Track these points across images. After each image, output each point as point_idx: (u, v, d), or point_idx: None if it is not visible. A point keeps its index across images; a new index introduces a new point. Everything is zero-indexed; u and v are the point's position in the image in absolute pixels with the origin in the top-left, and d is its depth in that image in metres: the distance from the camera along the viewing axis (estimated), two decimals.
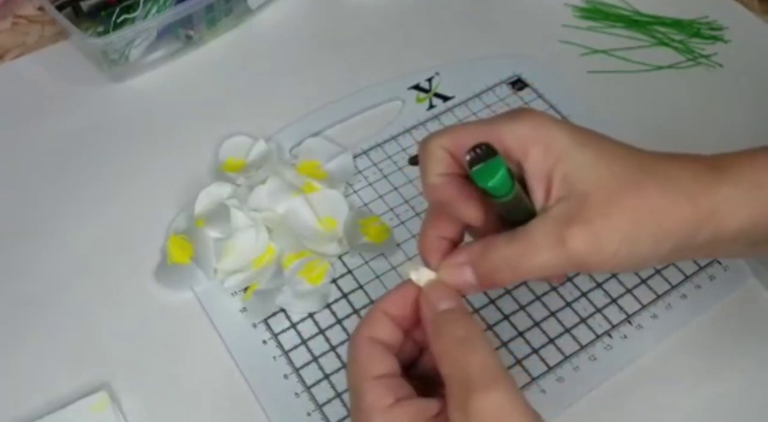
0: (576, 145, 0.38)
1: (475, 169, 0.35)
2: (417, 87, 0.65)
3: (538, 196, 0.38)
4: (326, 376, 0.50)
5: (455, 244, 0.40)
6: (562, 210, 0.36)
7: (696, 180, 0.38)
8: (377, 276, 0.54)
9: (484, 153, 0.35)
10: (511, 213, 0.38)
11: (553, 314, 0.52)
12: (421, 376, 0.39)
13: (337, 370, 0.50)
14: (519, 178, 0.38)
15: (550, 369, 0.50)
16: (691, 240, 0.37)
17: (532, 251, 0.36)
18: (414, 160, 0.60)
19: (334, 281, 0.54)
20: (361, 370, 0.37)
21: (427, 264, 0.39)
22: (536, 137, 0.38)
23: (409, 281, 0.38)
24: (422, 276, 0.38)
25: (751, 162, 0.39)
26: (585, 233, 0.36)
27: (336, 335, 0.51)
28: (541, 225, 0.37)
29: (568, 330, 0.51)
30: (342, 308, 0.53)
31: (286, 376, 0.50)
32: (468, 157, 0.35)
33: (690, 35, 0.69)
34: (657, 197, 0.37)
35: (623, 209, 0.36)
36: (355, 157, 0.60)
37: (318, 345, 0.51)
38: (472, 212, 0.38)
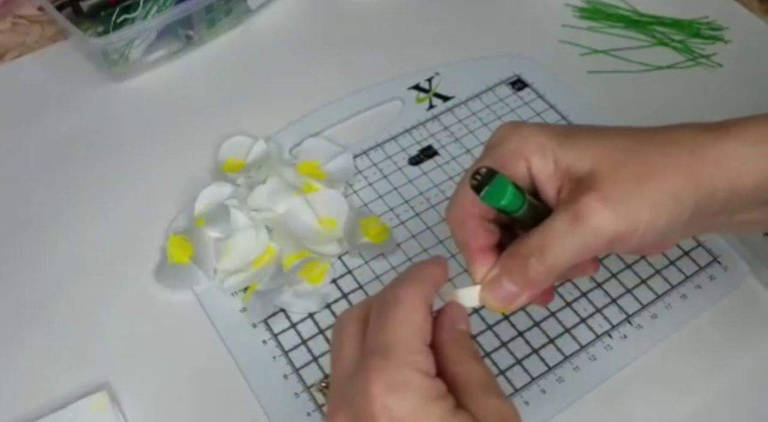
0: (565, 138, 0.38)
1: (483, 193, 0.36)
2: (417, 87, 0.65)
3: (551, 197, 0.38)
4: (326, 376, 0.50)
5: None
6: (574, 192, 0.37)
7: (696, 137, 0.38)
8: (377, 276, 0.54)
9: (486, 176, 0.36)
10: (531, 221, 0.38)
11: (553, 314, 0.52)
12: None
13: None
14: (532, 190, 0.39)
15: (550, 369, 0.50)
16: (710, 198, 0.37)
17: (553, 234, 0.36)
18: (414, 160, 0.60)
19: (334, 281, 0.54)
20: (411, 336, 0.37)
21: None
22: (527, 147, 0.39)
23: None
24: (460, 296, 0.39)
25: (751, 121, 0.39)
26: (597, 201, 0.36)
27: None
28: (556, 210, 0.37)
29: (568, 330, 0.51)
30: (342, 308, 0.53)
31: (286, 376, 0.50)
32: (474, 183, 0.36)
33: (690, 35, 0.69)
34: (659, 157, 0.37)
35: (629, 174, 0.36)
36: (355, 157, 0.60)
37: (318, 345, 0.51)
38: (481, 269, 0.40)
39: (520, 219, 0.38)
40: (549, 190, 0.38)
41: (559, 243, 0.36)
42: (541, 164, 0.38)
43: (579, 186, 0.37)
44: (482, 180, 0.36)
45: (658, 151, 0.37)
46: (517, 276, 0.38)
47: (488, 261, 0.39)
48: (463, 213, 0.40)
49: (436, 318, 0.38)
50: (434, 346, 0.36)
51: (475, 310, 0.52)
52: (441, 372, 0.36)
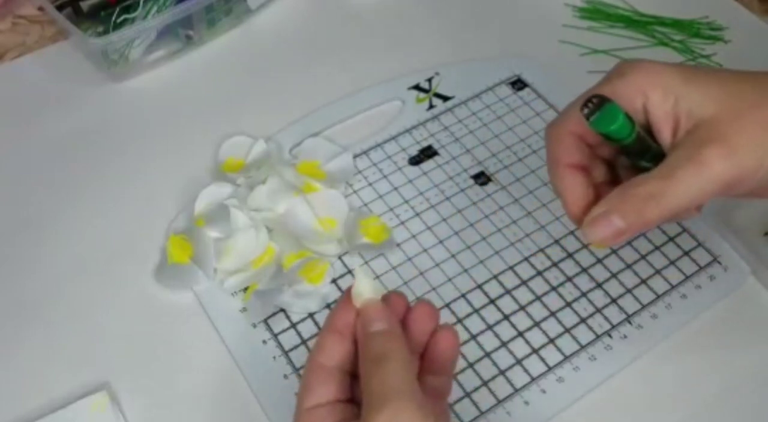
0: (690, 80, 0.38)
1: (593, 119, 0.37)
2: (417, 87, 0.65)
3: (665, 136, 0.39)
4: None
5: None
6: (695, 136, 0.37)
7: None
8: (377, 277, 0.54)
9: (598, 104, 0.37)
10: (639, 156, 0.39)
11: (553, 314, 0.52)
12: None
13: None
14: (644, 126, 0.39)
15: (550, 369, 0.50)
16: None
17: (675, 179, 0.37)
18: (414, 160, 0.60)
19: (334, 281, 0.54)
20: (299, 400, 0.38)
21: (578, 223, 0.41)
22: (651, 82, 0.39)
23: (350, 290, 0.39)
24: (362, 290, 0.38)
25: None
26: (722, 149, 0.36)
27: None
28: (676, 155, 0.37)
29: (568, 330, 0.51)
30: None
31: (286, 376, 0.50)
32: (585, 111, 0.37)
33: (690, 35, 0.69)
34: None
35: (754, 123, 0.37)
36: (355, 157, 0.60)
37: None
38: (576, 210, 0.40)
39: (627, 148, 0.38)
40: (664, 128, 0.39)
41: (681, 189, 0.37)
42: (660, 101, 0.38)
43: (699, 130, 0.37)
44: (593, 108, 0.37)
45: None
46: (631, 215, 0.38)
47: (576, 179, 0.40)
48: (564, 130, 0.41)
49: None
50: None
51: (476, 310, 0.52)
52: None
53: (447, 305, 0.52)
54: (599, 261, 0.54)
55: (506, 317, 0.52)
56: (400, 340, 0.37)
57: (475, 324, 0.51)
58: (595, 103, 0.37)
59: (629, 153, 0.39)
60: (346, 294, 0.39)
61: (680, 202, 0.37)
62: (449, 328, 0.40)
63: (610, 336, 0.51)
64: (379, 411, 0.34)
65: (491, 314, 0.52)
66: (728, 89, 0.38)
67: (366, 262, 0.55)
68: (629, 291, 0.53)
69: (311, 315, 0.52)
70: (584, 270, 0.54)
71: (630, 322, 0.52)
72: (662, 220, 0.38)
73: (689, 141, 0.37)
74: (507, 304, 0.52)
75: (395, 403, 0.34)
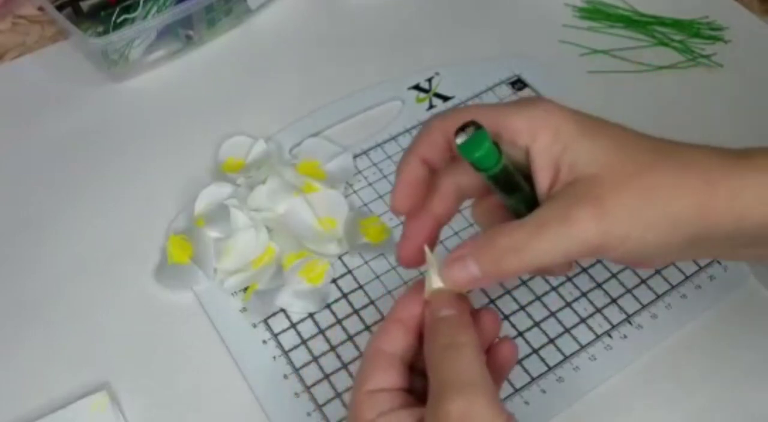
0: (586, 132, 0.37)
1: (460, 142, 0.35)
2: (417, 87, 0.65)
3: (542, 184, 0.37)
4: (326, 376, 0.50)
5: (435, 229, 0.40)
6: (570, 193, 0.35)
7: (714, 164, 0.36)
8: (377, 277, 0.54)
9: (472, 131, 0.35)
10: (506, 192, 0.37)
11: (553, 314, 0.52)
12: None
13: (337, 370, 0.50)
14: (523, 167, 0.37)
15: (550, 369, 0.50)
16: (712, 231, 0.36)
17: (538, 234, 0.35)
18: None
19: (334, 281, 0.54)
20: (358, 383, 0.37)
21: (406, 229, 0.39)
22: (545, 123, 0.37)
23: (421, 283, 0.38)
24: (433, 282, 0.38)
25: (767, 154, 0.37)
26: (593, 211, 0.34)
27: (336, 335, 0.51)
28: (546, 208, 0.36)
29: (568, 330, 0.51)
30: (342, 308, 0.53)
31: (286, 376, 0.50)
32: (458, 140, 0.35)
33: (690, 35, 0.69)
34: (671, 178, 0.35)
35: (634, 189, 0.35)
36: (355, 157, 0.60)
37: (318, 345, 0.51)
38: (400, 199, 0.39)
39: (493, 181, 0.37)
40: (543, 175, 0.37)
41: (545, 247, 0.35)
42: (546, 146, 0.36)
43: (577, 187, 0.35)
44: (467, 135, 0.35)
45: (673, 171, 0.36)
46: (488, 264, 0.36)
47: (420, 172, 0.39)
48: (440, 125, 0.38)
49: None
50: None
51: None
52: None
53: None
54: (599, 261, 0.54)
55: (506, 317, 0.52)
56: (472, 329, 0.36)
57: None
58: (468, 132, 0.35)
59: (496, 187, 0.37)
60: (413, 286, 0.38)
61: (542, 260, 0.35)
62: (511, 340, 0.39)
63: (610, 336, 0.51)
64: (451, 401, 0.33)
65: None
66: (620, 152, 0.36)
67: (366, 262, 0.55)
68: (629, 291, 0.53)
69: (311, 315, 0.52)
70: (584, 270, 0.54)
71: (630, 322, 0.52)
72: (522, 273, 0.36)
73: (564, 197, 0.36)
74: (507, 304, 0.52)
75: (470, 394, 0.33)
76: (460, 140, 0.35)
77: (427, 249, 0.38)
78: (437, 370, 0.35)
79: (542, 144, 0.37)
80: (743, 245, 0.37)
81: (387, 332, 0.38)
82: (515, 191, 0.38)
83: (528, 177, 0.38)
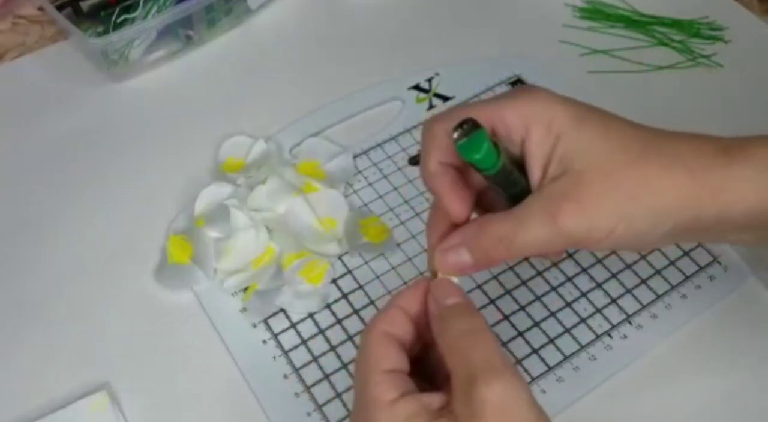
0: (578, 122, 0.37)
1: (459, 143, 0.36)
2: (417, 87, 0.65)
3: (535, 176, 0.37)
4: (326, 376, 0.50)
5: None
6: (556, 187, 0.36)
7: (701, 157, 0.37)
8: (377, 277, 0.54)
9: (470, 128, 0.36)
10: (505, 188, 0.38)
11: (553, 314, 0.52)
12: (424, 374, 0.39)
13: (337, 370, 0.50)
14: (518, 159, 0.38)
15: (550, 369, 0.50)
16: (694, 222, 0.36)
17: (525, 227, 0.36)
18: (414, 160, 0.60)
19: (334, 281, 0.54)
20: (372, 363, 0.36)
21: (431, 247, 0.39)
22: (538, 116, 0.37)
23: (422, 280, 0.39)
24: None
25: (764, 143, 0.37)
26: (576, 211, 0.35)
27: (336, 335, 0.51)
28: (533, 201, 0.37)
29: (568, 330, 0.51)
30: (342, 308, 0.53)
31: (286, 376, 0.50)
32: (455, 135, 0.36)
33: (690, 35, 0.69)
34: (656, 172, 0.36)
35: (618, 186, 0.36)
36: (355, 157, 0.60)
37: (318, 345, 0.51)
38: (456, 207, 0.38)
39: (490, 178, 0.37)
40: (535, 166, 0.37)
41: (530, 238, 0.36)
42: (539, 140, 0.37)
43: (563, 181, 0.36)
44: (466, 131, 0.36)
45: (658, 164, 0.36)
46: (479, 252, 0.37)
47: (452, 177, 0.39)
48: (442, 127, 0.39)
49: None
50: (434, 341, 0.37)
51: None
52: (441, 371, 0.36)
53: None
54: (599, 261, 0.54)
55: (506, 317, 0.52)
56: (478, 314, 0.37)
57: None
58: (466, 130, 0.36)
59: (495, 184, 0.38)
60: (416, 282, 0.39)
61: (530, 249, 0.37)
62: None
63: (610, 336, 0.51)
64: (487, 385, 0.33)
65: (491, 314, 0.52)
66: (610, 140, 0.37)
67: (366, 262, 0.55)
68: (629, 291, 0.53)
69: (311, 315, 0.52)
70: (584, 270, 0.54)
71: (630, 322, 0.52)
72: (512, 259, 0.37)
73: (549, 189, 0.36)
74: (507, 304, 0.52)
75: (505, 380, 0.33)
76: (456, 135, 0.36)
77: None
78: (461, 356, 0.35)
79: (535, 138, 0.37)
80: (728, 232, 0.38)
81: (391, 316, 0.38)
82: (514, 186, 0.38)
83: (523, 167, 0.38)
